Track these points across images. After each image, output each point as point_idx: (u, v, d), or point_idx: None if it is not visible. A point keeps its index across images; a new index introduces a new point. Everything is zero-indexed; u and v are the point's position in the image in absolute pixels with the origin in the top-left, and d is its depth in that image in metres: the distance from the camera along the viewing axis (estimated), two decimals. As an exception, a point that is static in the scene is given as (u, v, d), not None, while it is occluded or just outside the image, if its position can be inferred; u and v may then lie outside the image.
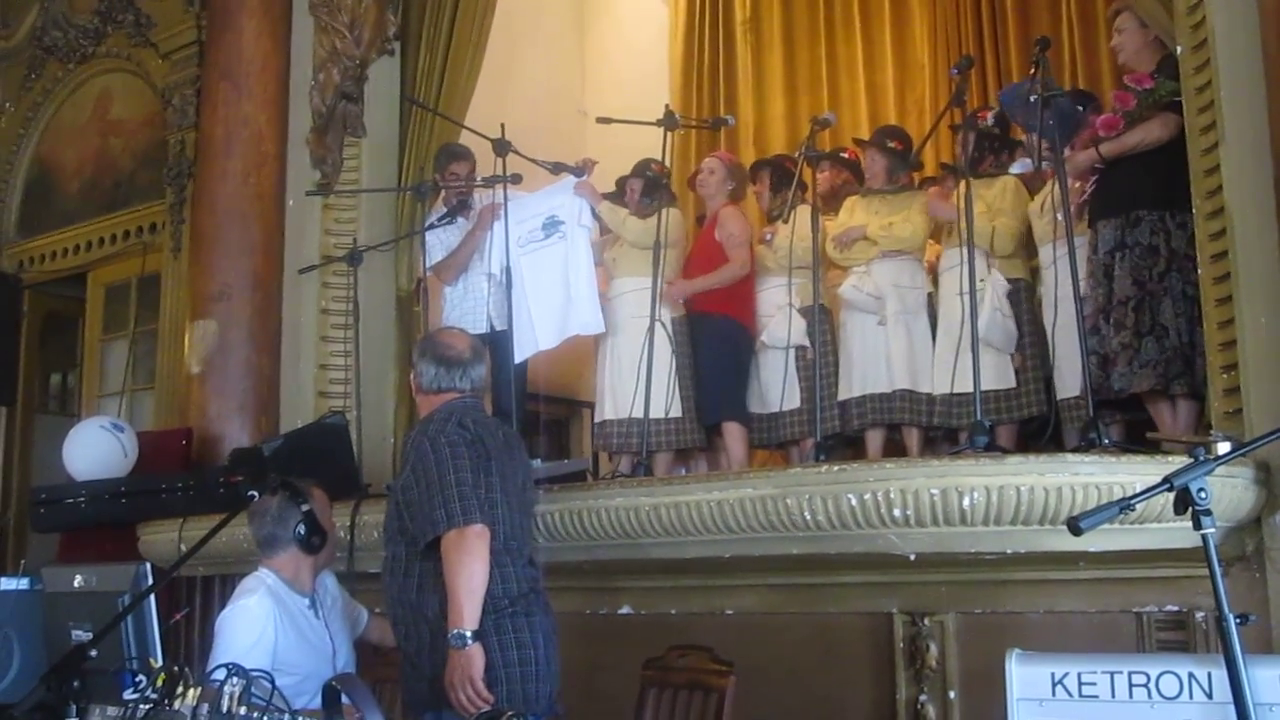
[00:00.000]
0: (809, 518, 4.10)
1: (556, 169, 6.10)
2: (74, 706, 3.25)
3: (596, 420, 6.26)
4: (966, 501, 3.87)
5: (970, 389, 4.72)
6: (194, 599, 5.77)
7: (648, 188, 6.18)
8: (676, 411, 5.89)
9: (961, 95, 4.96)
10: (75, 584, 3.68)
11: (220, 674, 2.82)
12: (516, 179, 5.89)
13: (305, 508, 3.95)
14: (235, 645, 3.63)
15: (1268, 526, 4.01)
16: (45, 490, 6.60)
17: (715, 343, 6.02)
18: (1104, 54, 6.12)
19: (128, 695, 3.09)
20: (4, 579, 4.26)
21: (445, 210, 6.33)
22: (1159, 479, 2.39)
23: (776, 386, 5.84)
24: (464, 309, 6.21)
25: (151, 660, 3.27)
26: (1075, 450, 4.34)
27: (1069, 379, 5.11)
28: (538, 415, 7.01)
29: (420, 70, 6.75)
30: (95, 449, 6.34)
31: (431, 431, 3.74)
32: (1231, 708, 2.34)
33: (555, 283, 6.03)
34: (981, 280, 5.23)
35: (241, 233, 6.63)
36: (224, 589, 5.45)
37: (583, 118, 8.16)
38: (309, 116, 6.80)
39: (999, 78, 7.26)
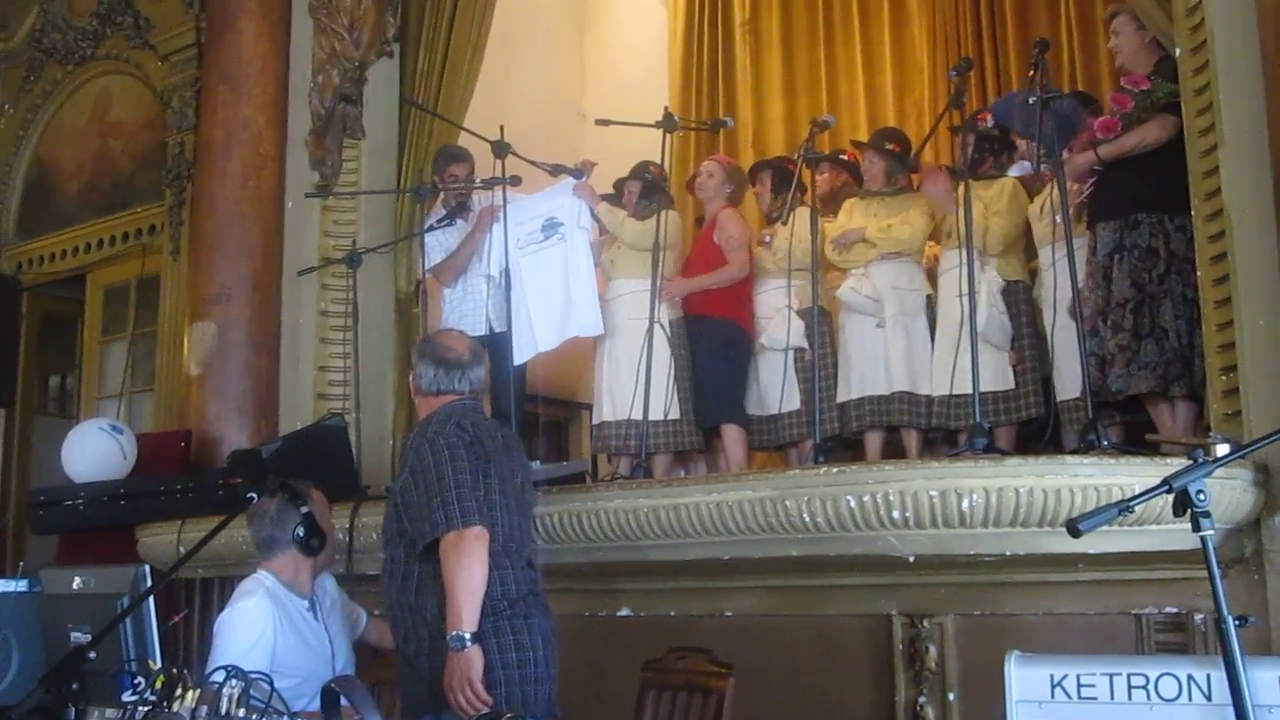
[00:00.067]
0: (808, 519, 4.10)
1: (555, 171, 6.10)
2: (73, 709, 3.26)
3: (594, 422, 6.26)
4: (965, 503, 3.87)
5: (969, 390, 4.72)
6: (193, 601, 5.77)
7: (646, 190, 6.17)
8: (674, 413, 5.89)
9: (960, 97, 4.96)
10: (74, 586, 3.68)
11: (219, 676, 2.82)
12: (515, 181, 5.89)
13: (304, 510, 3.95)
14: (234, 647, 3.63)
15: (1267, 528, 4.02)
16: (44, 492, 6.60)
17: (714, 345, 6.02)
18: (1103, 56, 6.11)
19: (126, 697, 3.09)
20: (3, 581, 4.25)
21: (444, 212, 6.33)
22: (1158, 481, 2.39)
23: (775, 388, 5.84)
24: (463, 311, 6.21)
25: (150, 662, 3.26)
26: (1074, 452, 4.34)
27: (1068, 381, 5.11)
28: (537, 417, 7.01)
29: (419, 72, 6.76)
30: (94, 451, 6.34)
31: (430, 433, 3.74)
32: (1230, 709, 2.34)
33: (554, 284, 6.03)
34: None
35: (240, 235, 6.63)
36: (223, 591, 5.45)
37: (581, 119, 8.16)
38: (308, 118, 6.80)
39: (998, 80, 7.26)
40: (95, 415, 7.68)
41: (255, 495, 3.93)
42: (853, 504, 4.01)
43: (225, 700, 2.77)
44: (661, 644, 4.20)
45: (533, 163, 6.00)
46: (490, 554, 3.62)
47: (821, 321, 5.75)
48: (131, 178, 8.08)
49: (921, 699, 4.28)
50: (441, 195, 6.38)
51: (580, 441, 7.82)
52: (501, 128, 5.84)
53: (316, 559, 4.01)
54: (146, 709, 2.97)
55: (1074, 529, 2.41)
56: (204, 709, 2.77)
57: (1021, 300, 5.50)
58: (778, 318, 5.89)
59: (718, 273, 6.03)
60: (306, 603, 3.96)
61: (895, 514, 3.94)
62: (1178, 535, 3.32)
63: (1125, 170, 4.81)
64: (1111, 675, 2.61)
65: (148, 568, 3.50)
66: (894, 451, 5.72)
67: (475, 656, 3.54)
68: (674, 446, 5.96)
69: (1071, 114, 4.93)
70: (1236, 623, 2.36)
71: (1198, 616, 3.98)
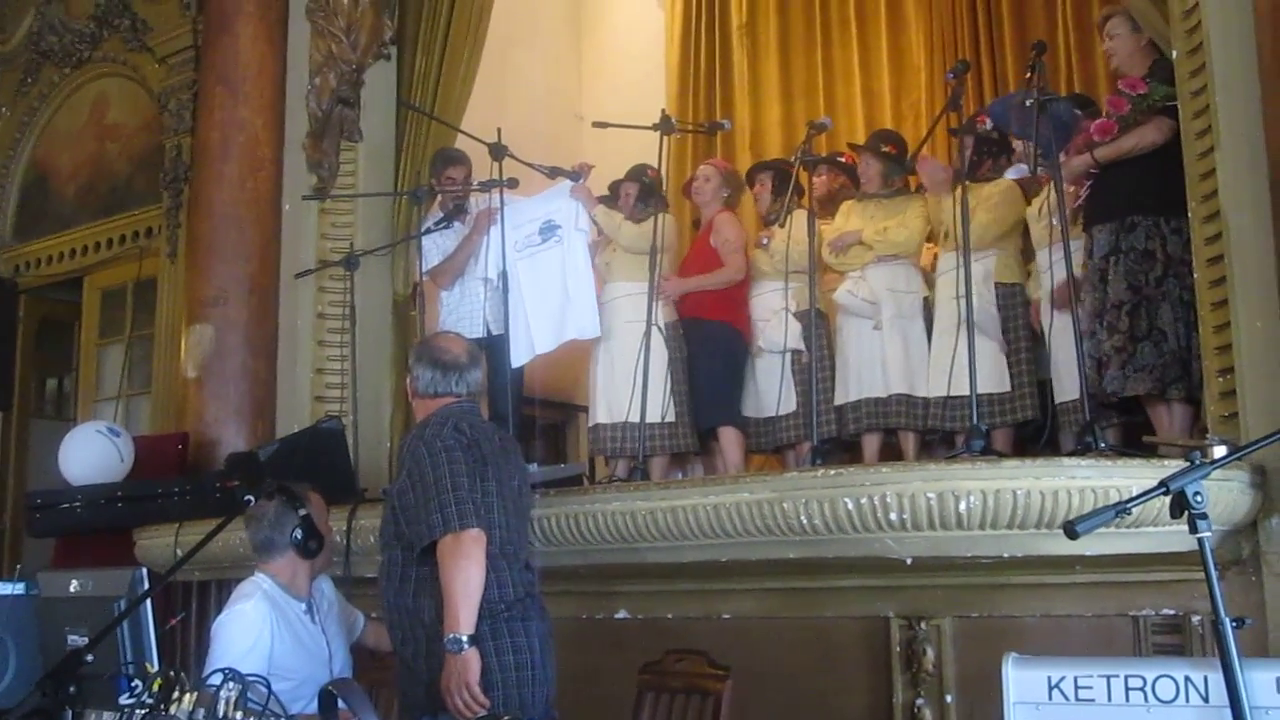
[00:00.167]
0: (805, 522, 4.11)
1: (553, 173, 6.10)
2: (70, 712, 3.26)
3: (590, 424, 6.26)
4: (963, 505, 3.87)
5: (966, 393, 4.73)
6: (190, 604, 5.76)
7: (643, 193, 6.18)
8: (670, 416, 5.90)
9: (957, 100, 4.96)
10: (71, 589, 3.68)
11: (216, 679, 2.82)
12: (513, 183, 5.89)
13: (302, 512, 3.95)
14: (231, 650, 3.63)
15: (1264, 530, 4.02)
16: (41, 495, 6.59)
17: (710, 348, 6.02)
18: (1100, 58, 6.11)
19: (123, 700, 3.09)
20: (0, 584, 4.25)
21: (441, 215, 6.33)
22: (1155, 483, 2.40)
23: (773, 391, 5.84)
24: (460, 313, 6.20)
25: (147, 665, 3.26)
26: (1071, 454, 4.34)
27: (1065, 383, 5.11)
28: (534, 420, 7.00)
29: (416, 75, 6.75)
30: (91, 454, 6.34)
31: (428, 436, 3.74)
32: (1228, 711, 2.35)
33: (552, 287, 6.02)
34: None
35: (238, 237, 6.63)
36: (220, 594, 5.44)
37: (579, 122, 8.17)
38: (305, 121, 6.79)
39: (995, 82, 7.26)
40: (92, 418, 7.68)
41: (253, 498, 3.93)
42: (850, 506, 4.01)
43: (222, 703, 2.77)
44: (659, 646, 4.20)
45: (530, 165, 6.00)
46: (488, 556, 3.62)
47: (819, 324, 5.74)
48: (129, 180, 8.08)
49: (919, 701, 4.28)
50: (439, 198, 6.38)
51: (578, 444, 7.82)
52: (499, 130, 5.84)
53: (314, 561, 4.01)
54: (144, 712, 2.97)
55: (1071, 531, 2.42)
56: (201, 712, 2.77)
57: (1018, 302, 5.50)
58: (775, 320, 5.89)
59: (714, 274, 6.04)
60: (304, 605, 3.95)
61: (893, 516, 3.95)
62: (1175, 537, 3.33)
63: (1121, 173, 4.81)
64: (1109, 677, 2.61)
65: (145, 570, 3.50)
66: (891, 454, 5.72)
67: (473, 659, 3.54)
68: (669, 449, 5.96)
69: (1067, 117, 4.93)
70: (1234, 624, 2.36)
71: (1195, 618, 3.98)
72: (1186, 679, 2.55)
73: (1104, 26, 5.12)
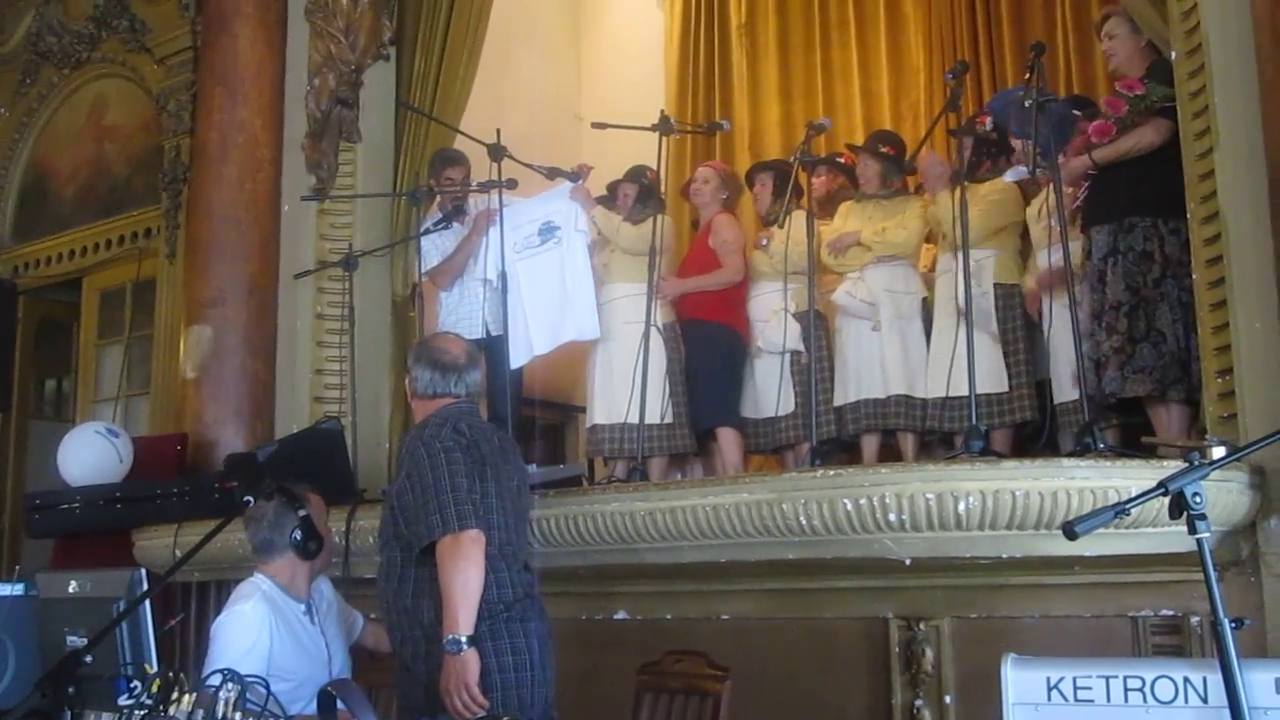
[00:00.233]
0: (804, 523, 4.11)
1: (552, 174, 6.10)
2: (69, 712, 3.26)
3: (587, 425, 6.26)
4: (962, 506, 3.88)
5: (964, 393, 4.73)
6: (189, 604, 5.76)
7: (641, 194, 6.18)
8: (668, 417, 5.90)
9: (956, 100, 4.96)
10: (70, 590, 3.68)
11: (215, 680, 2.82)
12: (512, 184, 5.89)
13: (302, 513, 3.95)
14: (231, 651, 3.63)
15: (1263, 531, 4.02)
16: (40, 496, 6.59)
17: (709, 349, 6.02)
18: (1099, 59, 6.11)
19: (122, 701, 3.09)
20: (-1, 585, 4.25)
21: (440, 215, 6.32)
22: (1154, 483, 2.40)
23: (772, 392, 5.85)
24: (459, 314, 6.20)
25: (146, 666, 3.26)
26: (1070, 455, 4.34)
27: (1065, 383, 5.12)
28: (533, 420, 7.00)
29: (415, 75, 6.75)
30: (90, 454, 6.33)
31: (426, 437, 3.74)
32: (1226, 712, 2.35)
33: (550, 289, 6.02)
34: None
35: (237, 238, 6.62)
36: (219, 594, 5.44)
37: (578, 122, 8.17)
38: (304, 122, 6.79)
39: (994, 83, 7.26)
40: (91, 418, 7.67)
41: (252, 499, 3.93)
42: (849, 507, 4.01)
43: (221, 704, 2.77)
44: (658, 647, 4.20)
45: (529, 166, 6.00)
46: (486, 557, 3.62)
47: (818, 325, 5.75)
48: (127, 181, 8.07)
49: (918, 702, 4.28)
50: (438, 198, 6.38)
51: (577, 445, 7.82)
52: (498, 131, 5.84)
53: (313, 562, 4.01)
54: (143, 713, 2.97)
55: (1070, 531, 2.42)
56: (200, 712, 2.77)
57: (1017, 303, 5.50)
58: (774, 321, 5.89)
59: (712, 275, 6.05)
60: (303, 606, 3.95)
61: (891, 517, 3.95)
62: (1174, 538, 3.34)
63: (1119, 174, 4.81)
64: (1108, 677, 2.61)
65: (144, 571, 3.50)
66: (890, 454, 5.73)
67: (471, 660, 3.54)
68: (667, 450, 5.96)
69: (1064, 119, 4.94)
70: (1232, 625, 2.36)
71: (1194, 619, 3.98)
72: (1185, 680, 2.55)
73: (1102, 27, 5.13)
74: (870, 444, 5.75)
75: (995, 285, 5.47)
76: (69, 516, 6.29)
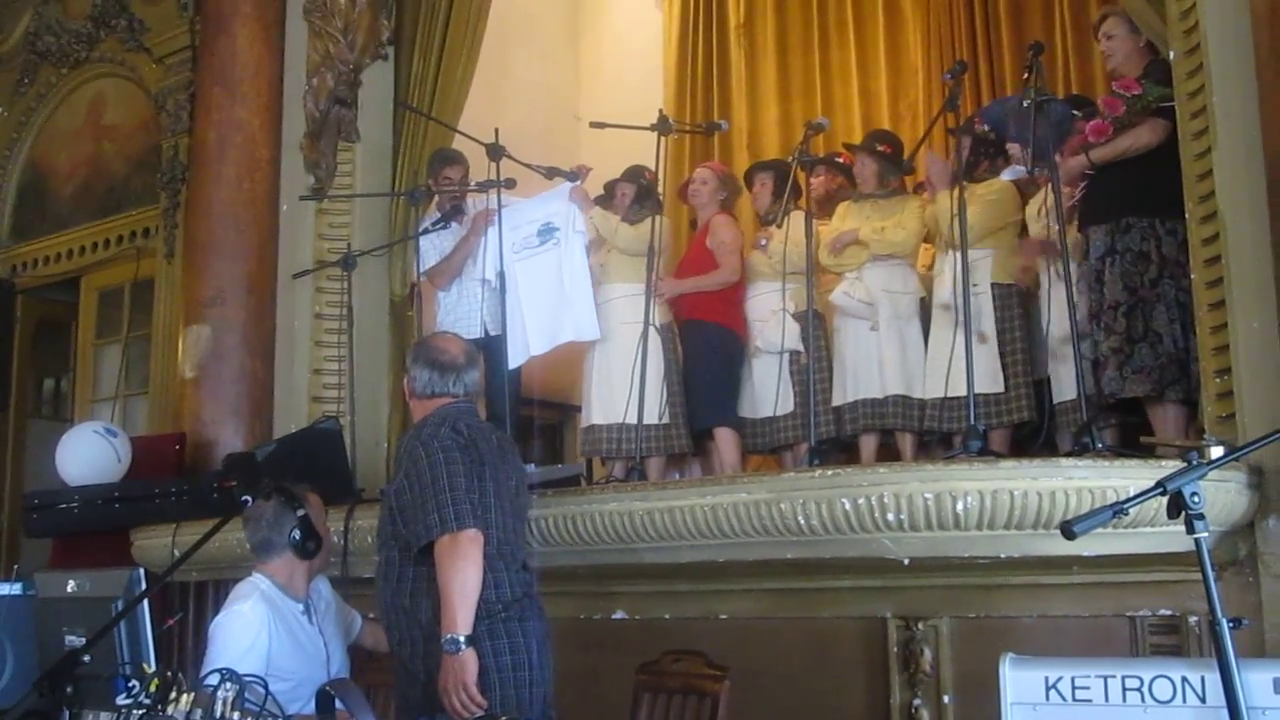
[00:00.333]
0: (803, 522, 4.11)
1: (551, 174, 6.09)
2: (67, 712, 3.26)
3: (583, 425, 6.26)
4: (960, 506, 3.87)
5: (963, 393, 4.73)
6: (187, 604, 5.75)
7: (639, 194, 6.18)
8: (665, 418, 5.90)
9: (955, 100, 4.97)
10: (68, 589, 3.68)
11: (214, 679, 2.82)
12: (510, 184, 5.89)
13: (301, 513, 3.96)
14: (229, 650, 3.63)
15: (1261, 530, 4.02)
16: (38, 495, 6.58)
17: (706, 350, 6.02)
18: (1097, 59, 6.11)
19: (121, 701, 3.09)
20: (-2, 585, 4.25)
21: (439, 215, 6.32)
22: (1152, 483, 2.40)
23: (770, 391, 5.85)
24: (458, 314, 6.20)
25: (145, 666, 3.26)
26: (1069, 454, 4.34)
27: (1064, 383, 5.12)
28: (532, 420, 7.00)
29: (414, 75, 6.74)
30: (88, 454, 6.33)
31: (425, 436, 3.74)
32: (1225, 712, 2.35)
33: (549, 289, 6.02)
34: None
35: (235, 237, 6.62)
36: (218, 594, 5.44)
37: (576, 122, 8.17)
38: (303, 121, 6.79)
39: (992, 83, 7.27)
40: (89, 418, 7.67)
41: (250, 498, 3.93)
42: (848, 506, 4.01)
43: (220, 703, 2.77)
44: (656, 647, 4.20)
45: (528, 165, 6.00)
46: (485, 557, 3.63)
47: (816, 325, 5.74)
48: (126, 181, 8.07)
49: (916, 701, 4.28)
50: (436, 198, 6.37)
51: (575, 445, 7.80)
52: (496, 130, 5.84)
53: (312, 562, 4.01)
54: (141, 712, 2.97)
55: (1069, 531, 2.42)
56: (199, 712, 2.77)
57: (1015, 303, 5.50)
58: (773, 321, 5.89)
59: (710, 275, 6.05)
60: (301, 606, 3.96)
61: (890, 516, 3.95)
62: (1172, 538, 3.33)
63: (1116, 174, 4.82)
64: (1106, 677, 2.61)
65: (142, 571, 3.50)
66: (889, 454, 5.72)
67: (470, 659, 3.54)
68: (664, 450, 5.96)
69: (1061, 120, 4.94)
70: (1231, 625, 2.36)
71: (1192, 619, 3.98)
72: (1183, 679, 2.55)
73: (1100, 27, 5.13)
74: (869, 444, 5.75)
75: (993, 285, 5.47)
76: (67, 516, 6.28)
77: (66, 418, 8.34)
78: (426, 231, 6.23)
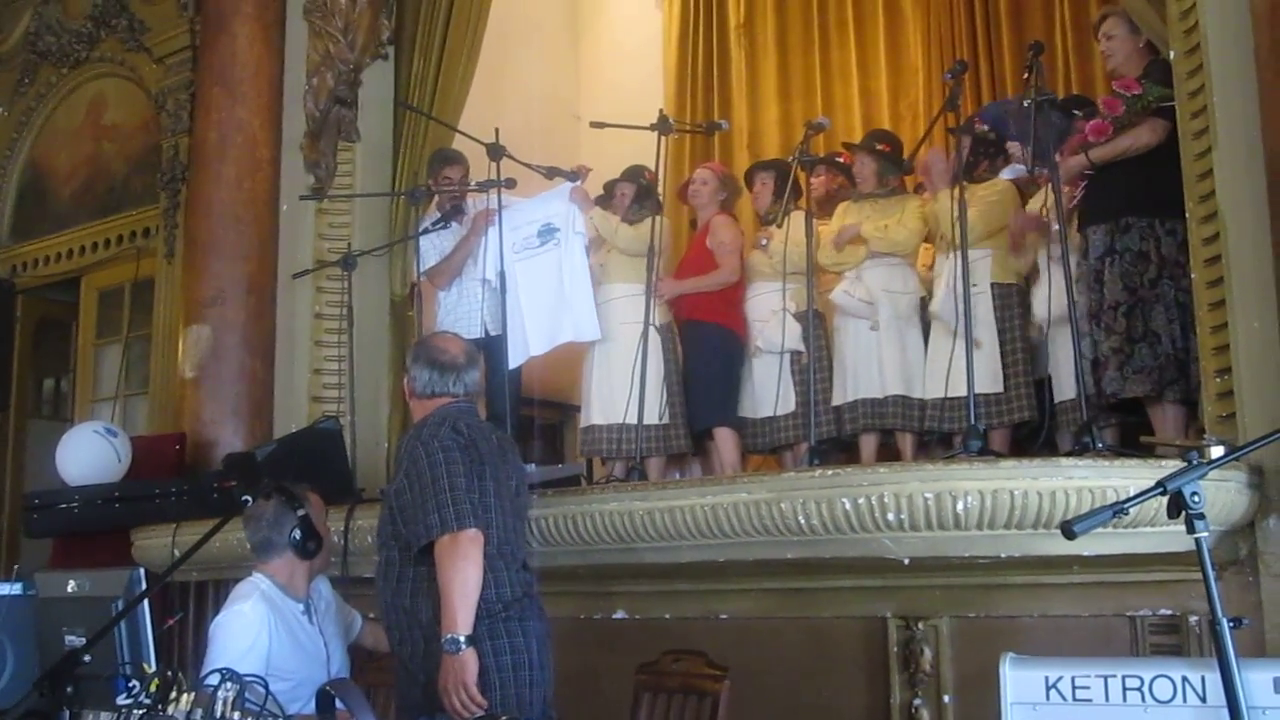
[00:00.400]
0: (803, 522, 4.11)
1: (551, 174, 6.09)
2: (67, 712, 3.26)
3: (582, 425, 6.26)
4: (960, 505, 3.87)
5: (963, 393, 4.73)
6: (188, 604, 5.76)
7: (639, 194, 6.18)
8: (665, 418, 5.90)
9: (955, 100, 4.96)
10: (68, 589, 3.68)
11: (214, 679, 2.82)
12: (510, 183, 5.89)
13: (301, 513, 3.96)
14: (229, 650, 3.63)
15: (1261, 530, 4.02)
16: (38, 495, 6.58)
17: (706, 350, 6.03)
18: (1097, 59, 6.11)
19: (121, 701, 3.10)
20: (-2, 585, 4.25)
21: (439, 215, 6.32)
22: (1153, 483, 2.40)
23: (770, 392, 5.85)
24: (458, 314, 6.20)
25: (145, 665, 3.26)
26: (1069, 454, 4.34)
27: (1064, 383, 5.12)
28: (532, 420, 7.00)
29: (414, 75, 6.74)
30: (88, 454, 6.33)
31: (425, 436, 3.74)
32: (1225, 711, 2.35)
33: (549, 289, 6.02)
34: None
35: (235, 237, 6.62)
36: (218, 594, 5.44)
37: (576, 122, 8.17)
38: (303, 121, 6.79)
39: (992, 82, 7.27)
40: (90, 418, 7.67)
41: (251, 498, 3.93)
42: (848, 506, 4.01)
43: (220, 703, 2.77)
44: (656, 647, 4.20)
45: (528, 165, 6.00)
46: (485, 557, 3.63)
47: (816, 325, 5.74)
48: (126, 180, 8.07)
49: (917, 701, 4.28)
50: (436, 198, 6.37)
51: (575, 445, 7.80)
52: (496, 130, 5.84)
53: (312, 562, 4.01)
54: (141, 712, 2.98)
55: (1069, 531, 2.42)
56: (199, 712, 2.77)
57: (1015, 303, 5.50)
58: (773, 321, 5.89)
59: (710, 275, 6.05)
60: (302, 606, 3.96)
61: (890, 516, 3.95)
62: (1172, 537, 3.33)
63: (1116, 174, 4.82)
64: (1106, 677, 2.61)
65: (142, 571, 3.50)
66: (889, 454, 5.72)
67: (470, 659, 3.54)
68: (664, 450, 5.97)
69: (1060, 120, 4.94)
70: (1231, 624, 2.36)
71: (1192, 618, 3.98)
72: (1184, 679, 2.55)
73: (1100, 27, 5.12)
74: (869, 444, 5.75)
75: (993, 285, 5.47)
76: (67, 516, 6.28)
77: (66, 418, 8.34)
78: (426, 231, 6.23)
